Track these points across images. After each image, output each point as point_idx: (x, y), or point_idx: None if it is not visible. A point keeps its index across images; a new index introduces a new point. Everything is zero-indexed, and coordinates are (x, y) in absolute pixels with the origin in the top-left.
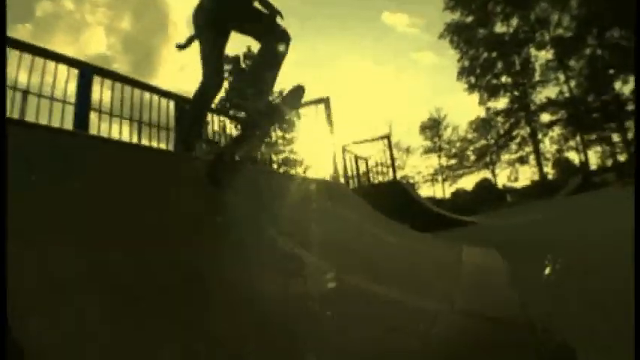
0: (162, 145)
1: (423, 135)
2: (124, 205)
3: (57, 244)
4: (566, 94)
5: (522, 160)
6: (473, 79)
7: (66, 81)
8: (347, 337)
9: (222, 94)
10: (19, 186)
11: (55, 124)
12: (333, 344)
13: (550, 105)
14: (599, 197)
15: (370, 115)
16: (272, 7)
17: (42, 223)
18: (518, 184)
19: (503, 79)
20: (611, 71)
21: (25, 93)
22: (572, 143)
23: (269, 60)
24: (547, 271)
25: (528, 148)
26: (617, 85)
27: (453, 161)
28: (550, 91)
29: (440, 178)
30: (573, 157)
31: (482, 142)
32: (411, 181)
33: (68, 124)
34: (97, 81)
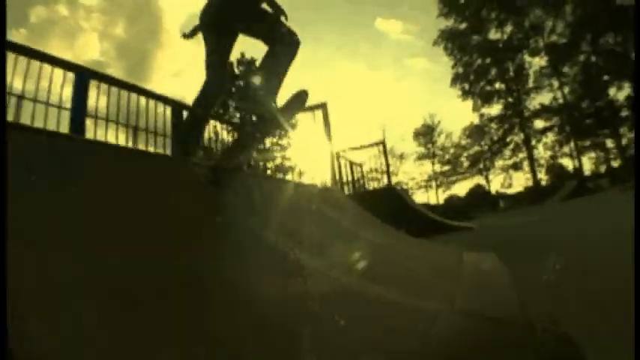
0: (160, 152)
1: (417, 141)
2: (122, 209)
3: (55, 249)
4: (560, 101)
5: (516, 167)
6: (467, 86)
7: (61, 85)
8: (346, 338)
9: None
10: (16, 189)
11: (51, 129)
12: (333, 345)
13: (544, 111)
14: (594, 202)
15: (364, 121)
16: (277, 7)
17: (40, 227)
18: (512, 190)
19: (497, 85)
20: (606, 77)
21: (20, 98)
22: (566, 149)
23: (274, 63)
24: (546, 271)
25: (522, 154)
26: (612, 91)
27: (446, 167)
28: (544, 98)
29: (434, 184)
30: (567, 163)
31: (476, 148)
32: (405, 187)
33: (64, 130)
34: (92, 86)
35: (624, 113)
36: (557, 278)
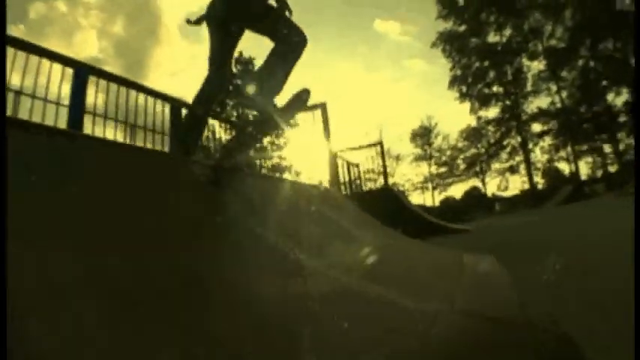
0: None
1: (414, 143)
2: (122, 208)
3: (55, 249)
4: (558, 105)
5: (513, 170)
6: (464, 88)
7: (60, 81)
8: (346, 338)
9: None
10: (16, 189)
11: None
12: (333, 345)
13: (541, 115)
14: (590, 207)
15: (361, 121)
16: (282, 1)
17: (40, 227)
18: (508, 193)
19: (495, 88)
20: (604, 83)
21: (18, 94)
22: (562, 153)
23: (279, 61)
24: (546, 271)
25: (519, 158)
26: (610, 96)
27: (443, 169)
28: (541, 101)
29: (430, 185)
30: (564, 167)
31: (473, 150)
32: (401, 188)
33: (62, 127)
34: (91, 82)
35: (622, 119)
36: (557, 278)
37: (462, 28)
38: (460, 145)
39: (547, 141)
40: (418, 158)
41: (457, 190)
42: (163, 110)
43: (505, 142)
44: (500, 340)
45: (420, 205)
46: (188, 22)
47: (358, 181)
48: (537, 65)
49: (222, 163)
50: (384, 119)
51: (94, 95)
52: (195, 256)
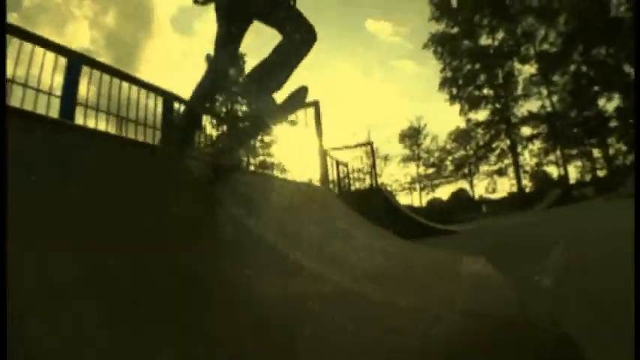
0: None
1: (402, 143)
2: (122, 208)
3: (55, 249)
4: (549, 109)
5: (501, 172)
6: (455, 90)
7: (52, 70)
8: (346, 338)
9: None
10: (16, 189)
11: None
12: (333, 345)
13: (531, 118)
14: (580, 210)
15: (349, 121)
16: None
17: (40, 227)
18: (495, 196)
19: (485, 91)
20: (596, 88)
21: (10, 82)
22: (552, 157)
23: (284, 57)
24: (545, 271)
25: (507, 161)
26: (601, 102)
27: (431, 170)
28: (532, 105)
29: (417, 186)
30: (553, 170)
31: (462, 152)
32: (389, 188)
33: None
34: (83, 74)
35: (613, 124)
36: (557, 278)
37: (455, 30)
38: (449, 146)
39: (536, 144)
40: (406, 159)
41: (444, 192)
42: (156, 104)
43: (494, 145)
44: (500, 340)
45: (407, 206)
46: (195, 1)
47: (347, 180)
48: (529, 69)
49: (219, 161)
50: (373, 119)
51: (87, 87)
52: (195, 256)
